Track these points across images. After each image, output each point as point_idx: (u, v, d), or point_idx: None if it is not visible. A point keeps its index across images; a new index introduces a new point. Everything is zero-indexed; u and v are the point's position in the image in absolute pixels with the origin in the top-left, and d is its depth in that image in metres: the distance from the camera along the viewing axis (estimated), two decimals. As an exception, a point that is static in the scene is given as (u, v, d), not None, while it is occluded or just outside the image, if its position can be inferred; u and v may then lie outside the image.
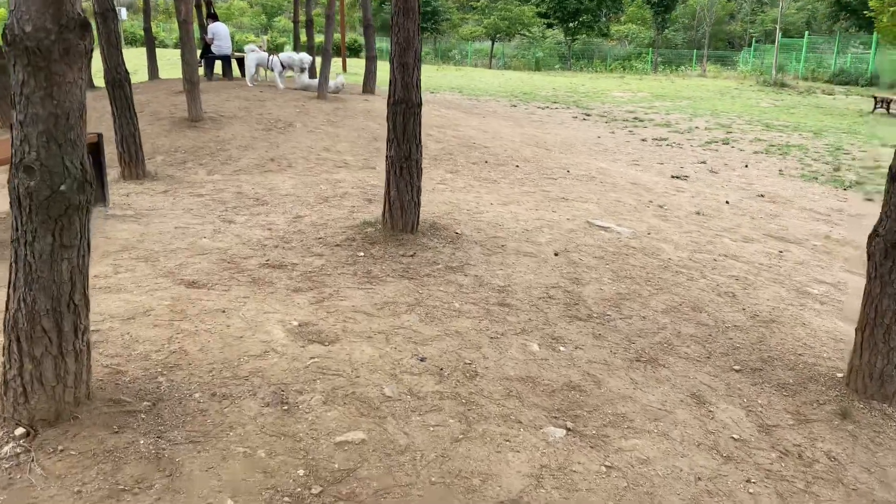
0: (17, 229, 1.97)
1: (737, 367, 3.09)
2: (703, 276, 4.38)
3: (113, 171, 6.85)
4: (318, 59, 13.22)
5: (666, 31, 38.13)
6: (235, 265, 3.96)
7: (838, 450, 2.51)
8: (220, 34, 14.44)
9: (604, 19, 39.22)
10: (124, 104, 6.04)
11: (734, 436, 2.53)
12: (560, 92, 22.07)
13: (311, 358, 2.75)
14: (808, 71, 29.39)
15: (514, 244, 4.63)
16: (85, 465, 1.99)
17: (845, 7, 30.14)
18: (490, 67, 38.04)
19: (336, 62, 17.41)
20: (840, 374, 3.05)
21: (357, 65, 27.41)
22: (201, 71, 15.03)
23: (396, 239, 4.44)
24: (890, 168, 2.73)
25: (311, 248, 4.33)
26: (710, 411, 2.71)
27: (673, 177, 9.31)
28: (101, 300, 3.26)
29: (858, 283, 3.23)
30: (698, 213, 6.62)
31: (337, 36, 33.55)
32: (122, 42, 30.16)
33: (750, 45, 37.38)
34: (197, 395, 2.40)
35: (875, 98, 18.24)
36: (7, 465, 1.95)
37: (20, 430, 2.07)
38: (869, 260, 2.80)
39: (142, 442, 2.12)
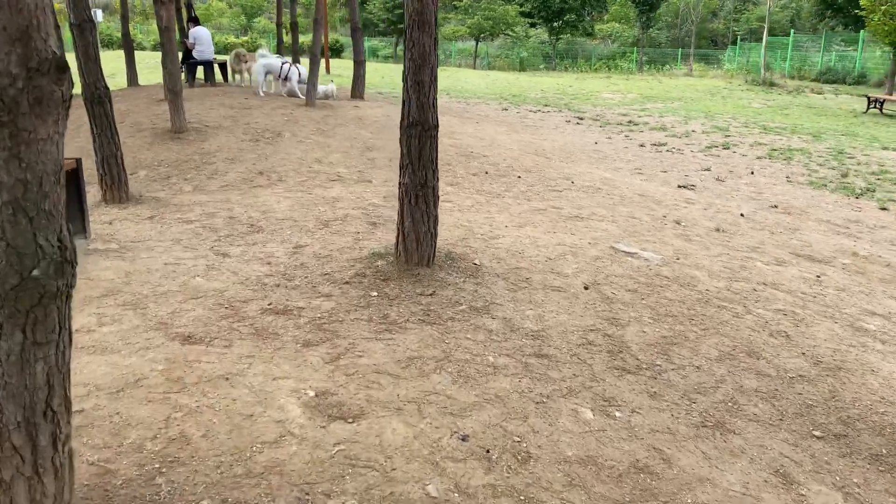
0: (-23, 325, 1.54)
1: (817, 433, 2.71)
2: (747, 310, 4.01)
3: (92, 191, 6.37)
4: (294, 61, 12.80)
5: (650, 29, 37.94)
6: (235, 311, 3.52)
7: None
8: (202, 39, 13.92)
9: (588, 18, 38.95)
10: (105, 122, 5.57)
11: (839, 531, 2.16)
12: (549, 94, 21.73)
13: (336, 444, 2.32)
14: (794, 69, 29.31)
15: (539, 276, 4.23)
16: None
17: (831, 5, 30.09)
18: (474, 67, 37.66)
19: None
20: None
21: (339, 66, 26.92)
22: (183, 76, 14.51)
23: (412, 274, 4.02)
24: None
25: (318, 287, 3.90)
26: (802, 495, 2.33)
27: (680, 186, 8.97)
28: (84, 364, 2.82)
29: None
30: (718, 230, 6.27)
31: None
32: (98, 45, 29.50)
33: (734, 44, 37.33)
34: (205, 503, 1.98)
35: (868, 98, 18.07)
36: None
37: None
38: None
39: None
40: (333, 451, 2.28)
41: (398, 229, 4.13)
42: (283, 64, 12.57)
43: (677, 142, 12.65)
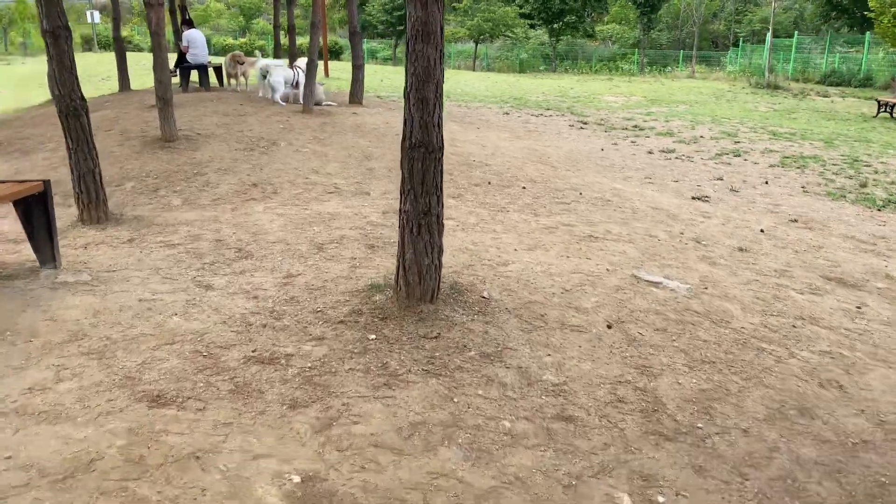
0: None
1: (897, 523, 2.29)
2: (790, 353, 3.58)
3: (69, 212, 5.94)
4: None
5: (651, 31, 37.54)
6: (214, 360, 3.09)
7: None
8: (196, 42, 13.51)
9: (588, 20, 38.54)
10: (81, 137, 5.14)
11: None
12: (550, 96, 21.32)
13: (326, 555, 1.90)
14: (798, 72, 28.90)
15: (556, 312, 3.80)
16: None
17: (836, 6, 29.68)
18: (474, 69, 37.26)
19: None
20: None
21: (338, 68, 26.49)
22: (176, 80, 14.09)
23: (413, 311, 3.60)
24: None
25: (309, 328, 3.48)
26: None
27: (694, 198, 8.55)
28: (31, 438, 2.40)
29: None
30: (741, 250, 5.85)
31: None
32: (96, 45, 28.93)
33: (736, 45, 36.95)
34: None
35: (878, 102, 17.66)
36: None
37: None
38: None
39: None
40: (322, 567, 1.86)
41: (398, 261, 3.70)
42: (297, 71, 12.16)
43: (686, 148, 12.23)
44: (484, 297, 3.91)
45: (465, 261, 4.62)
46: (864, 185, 9.57)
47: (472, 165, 9.24)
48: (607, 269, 4.66)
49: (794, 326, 3.96)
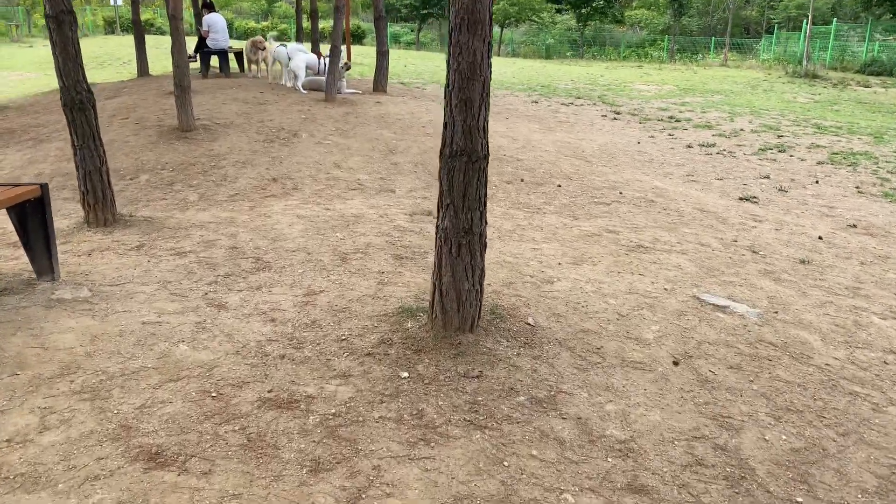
0: None
1: None
2: (888, 398, 3.08)
3: (74, 212, 5.55)
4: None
5: (683, 17, 36.53)
6: (223, 403, 2.67)
7: None
8: (217, 26, 13.09)
9: (617, 5, 37.58)
10: (87, 132, 4.73)
11: None
12: (580, 84, 20.68)
13: None
14: (835, 60, 27.89)
15: (613, 345, 3.33)
16: None
17: (878, -8, 28.58)
18: (498, 54, 36.55)
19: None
20: None
21: (361, 53, 25.97)
22: (195, 64, 13.70)
23: (451, 343, 3.14)
24: None
25: (332, 361, 3.04)
26: None
27: (741, 199, 8.00)
28: (0, 513, 1.99)
29: None
30: (803, 262, 5.32)
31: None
32: (118, 28, 28.56)
33: (770, 32, 35.87)
34: None
35: (926, 93, 16.82)
36: None
37: None
38: None
39: None
40: None
41: (434, 284, 3.25)
42: (321, 58, 11.73)
43: (727, 142, 11.63)
44: (529, 325, 3.45)
45: (505, 277, 4.15)
46: (923, 186, 8.94)
47: (503, 160, 8.75)
48: (665, 289, 4.17)
49: (885, 363, 3.45)
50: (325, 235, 5.02)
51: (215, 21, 13.04)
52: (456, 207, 3.05)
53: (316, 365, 3.00)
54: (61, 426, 2.47)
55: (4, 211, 3.61)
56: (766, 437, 2.68)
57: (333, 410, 2.65)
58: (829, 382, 3.17)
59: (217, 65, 13.62)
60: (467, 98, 2.91)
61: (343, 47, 10.88)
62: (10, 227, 4.99)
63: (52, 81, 16.12)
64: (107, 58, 23.50)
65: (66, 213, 6.32)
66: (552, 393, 2.85)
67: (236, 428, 2.51)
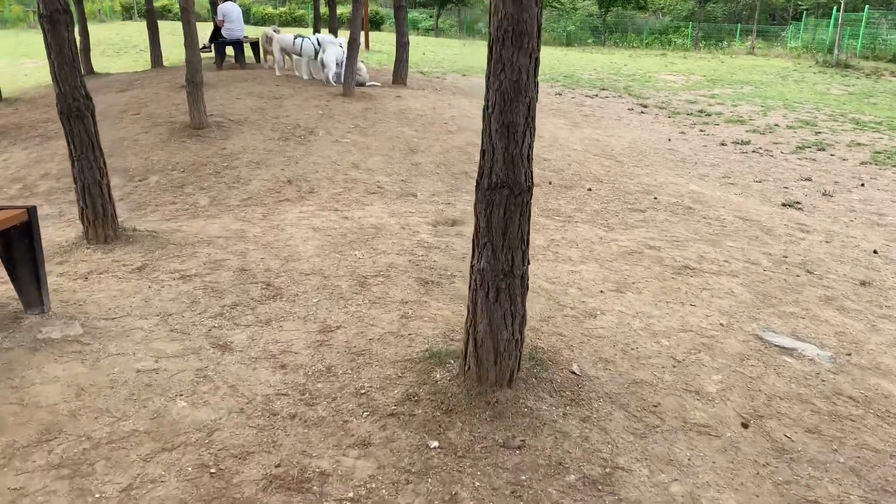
0: None
1: None
2: None
3: (72, 228, 5.18)
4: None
5: (708, 3, 35.59)
6: (224, 483, 2.28)
7: None
8: (232, 15, 12.68)
9: (640, -10, 36.66)
10: (86, 142, 4.35)
11: None
12: (603, 74, 20.09)
13: None
14: (866, 49, 26.97)
15: (672, 401, 2.90)
16: None
17: (913, -22, 27.56)
18: (519, 42, 35.80)
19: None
20: None
21: (379, 40, 25.46)
22: (210, 54, 13.32)
23: (487, 401, 2.73)
24: None
25: (350, 423, 2.64)
26: None
27: (784, 205, 7.50)
28: None
29: None
30: (863, 284, 4.85)
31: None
32: (136, 15, 28.16)
33: (797, 19, 34.88)
34: None
35: (968, 86, 16.09)
36: None
37: None
38: None
39: None
40: None
41: (467, 332, 2.83)
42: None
43: (762, 139, 11.07)
44: (574, 374, 3.03)
45: (542, 310, 3.73)
46: (977, 190, 8.38)
47: (529, 160, 8.27)
48: (721, 324, 3.72)
49: (984, 423, 3.00)
50: (343, 254, 4.61)
51: (230, 10, 12.63)
52: (495, 247, 2.63)
53: (331, 429, 2.60)
54: (33, 515, 2.09)
55: None
56: (865, 533, 2.25)
57: (351, 494, 2.26)
58: (927, 452, 2.73)
59: (232, 55, 13.22)
60: (510, 122, 2.48)
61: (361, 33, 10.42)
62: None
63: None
64: (123, 45, 23.21)
65: (70, 218, 5.98)
66: (607, 469, 2.43)
67: (238, 518, 2.12)
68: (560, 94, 15.50)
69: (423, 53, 23.01)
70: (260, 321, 3.52)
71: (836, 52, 23.73)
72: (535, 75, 2.47)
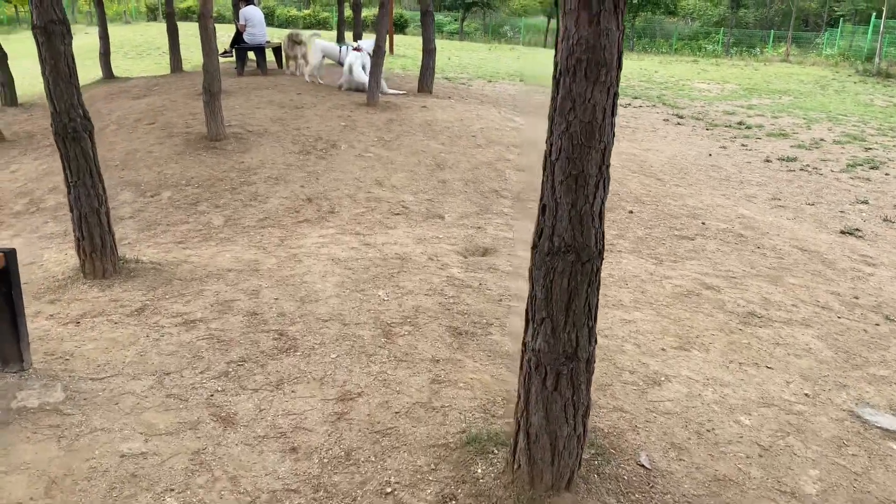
0: None
1: None
2: None
3: (67, 260, 4.73)
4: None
5: (740, 8, 34.75)
6: None
7: None
8: (254, 20, 12.26)
9: (670, -5, 35.91)
10: (84, 166, 3.90)
11: None
12: (634, 81, 19.48)
13: None
14: (907, 56, 26.05)
15: (763, 510, 2.37)
16: None
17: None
18: (545, 46, 35.29)
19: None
20: None
21: (403, 43, 25.01)
22: (232, 59, 12.94)
23: (540, 509, 2.22)
24: None
25: (375, 535, 2.15)
26: None
27: (843, 232, 6.90)
28: None
29: None
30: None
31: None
32: (161, 15, 27.91)
33: (832, 25, 33.96)
34: None
35: None
36: None
37: None
38: None
39: None
40: None
41: (518, 423, 2.32)
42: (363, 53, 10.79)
43: (809, 156, 10.44)
44: (643, 467, 2.51)
45: (597, 375, 3.20)
46: None
47: (564, 178, 7.73)
48: (806, 395, 3.18)
49: None
50: (365, 293, 4.12)
51: (253, 14, 12.22)
52: (555, 323, 2.12)
53: (351, 544, 2.11)
54: None
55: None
56: None
57: None
58: None
59: (254, 59, 12.82)
60: (579, 173, 1.98)
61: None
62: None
63: (88, 73, 15.54)
64: (146, 46, 23.02)
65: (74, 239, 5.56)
66: None
67: None
68: (591, 103, 14.90)
69: (448, 58, 22.54)
70: (270, 383, 3.04)
71: (876, 60, 22.89)
72: (613, 115, 1.96)
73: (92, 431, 2.61)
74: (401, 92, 11.22)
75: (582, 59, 1.88)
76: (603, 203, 2.06)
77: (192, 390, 2.95)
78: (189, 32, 16.72)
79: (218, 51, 7.77)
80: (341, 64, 10.92)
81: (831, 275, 5.44)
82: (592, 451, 2.54)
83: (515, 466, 2.34)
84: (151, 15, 36.00)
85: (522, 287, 4.44)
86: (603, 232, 2.10)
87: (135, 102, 10.00)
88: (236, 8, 14.16)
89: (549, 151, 2.03)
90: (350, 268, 4.63)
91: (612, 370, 3.25)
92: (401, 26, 36.00)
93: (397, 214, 6.50)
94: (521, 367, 2.27)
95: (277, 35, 18.55)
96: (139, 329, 3.51)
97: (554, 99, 1.97)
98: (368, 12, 29.63)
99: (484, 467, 2.43)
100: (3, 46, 11.07)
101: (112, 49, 13.67)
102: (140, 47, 22.57)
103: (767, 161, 10.05)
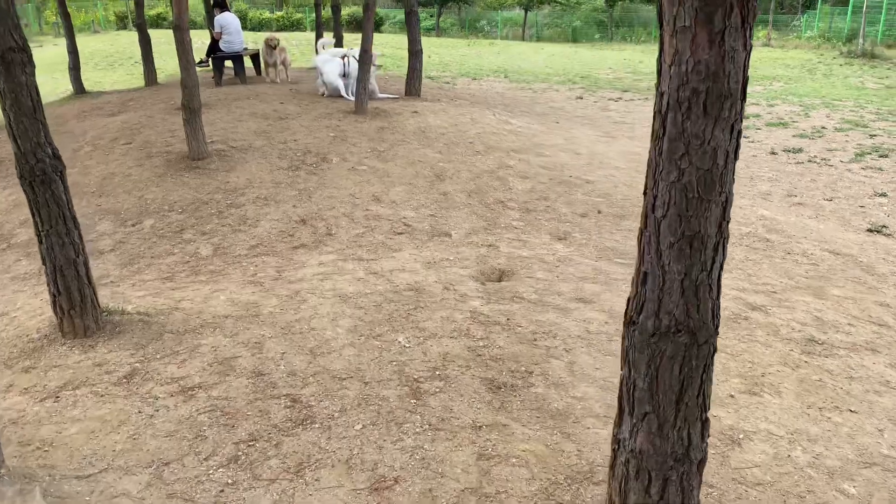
0: None
1: None
2: None
3: (42, 314, 4.22)
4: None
5: (718, -7, 34.42)
6: None
7: None
8: (231, 27, 11.73)
9: (648, -18, 35.52)
10: (55, 213, 3.40)
11: None
12: (621, 73, 19.12)
13: None
14: (886, 36, 25.93)
15: None
16: None
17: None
18: (523, 39, 34.85)
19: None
20: None
21: (379, 42, 24.42)
22: (208, 68, 12.40)
23: None
24: None
25: None
26: None
27: (870, 230, 6.54)
28: None
29: None
30: None
31: (358, 10, 30.47)
32: (131, 24, 27.04)
33: (809, 7, 33.84)
34: None
35: None
36: None
37: None
38: None
39: None
40: None
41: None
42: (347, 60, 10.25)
43: (814, 146, 10.10)
44: (751, 566, 2.07)
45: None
46: None
47: (571, 184, 7.35)
48: (905, 453, 2.77)
49: None
50: (382, 338, 3.66)
51: (229, 21, 11.68)
52: (662, 419, 1.68)
53: None
54: None
55: None
56: None
57: None
58: None
59: (232, 67, 12.28)
60: (695, 234, 1.54)
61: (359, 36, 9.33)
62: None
63: (58, 87, 14.89)
64: (118, 56, 22.28)
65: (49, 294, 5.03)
66: None
67: None
68: (581, 98, 14.54)
69: (428, 56, 22.01)
70: (288, 469, 2.57)
71: (860, 41, 22.69)
72: (736, 158, 1.52)
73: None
74: (393, 96, 10.75)
75: (700, 89, 1.44)
76: (721, 269, 1.62)
77: (197, 485, 2.48)
78: (161, 40, 16.08)
79: (195, 62, 7.25)
80: (345, 75, 10.36)
81: (873, 282, 5.06)
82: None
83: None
84: (121, 23, 35.11)
85: (553, 320, 4.00)
86: (720, 303, 1.65)
87: (109, 120, 9.44)
88: (210, 15, 13.60)
89: (650, 206, 1.59)
90: (361, 306, 4.17)
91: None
92: (375, 24, 35.39)
93: (400, 233, 6.05)
94: (611, 466, 1.83)
95: (253, 39, 17.96)
96: (129, 402, 3.02)
97: (658, 139, 1.53)
98: (346, 10, 28.99)
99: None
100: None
101: (82, 60, 13.05)
102: (111, 57, 21.84)
103: (773, 153, 9.69)
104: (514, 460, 2.61)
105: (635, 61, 22.28)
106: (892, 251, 5.89)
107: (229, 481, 2.50)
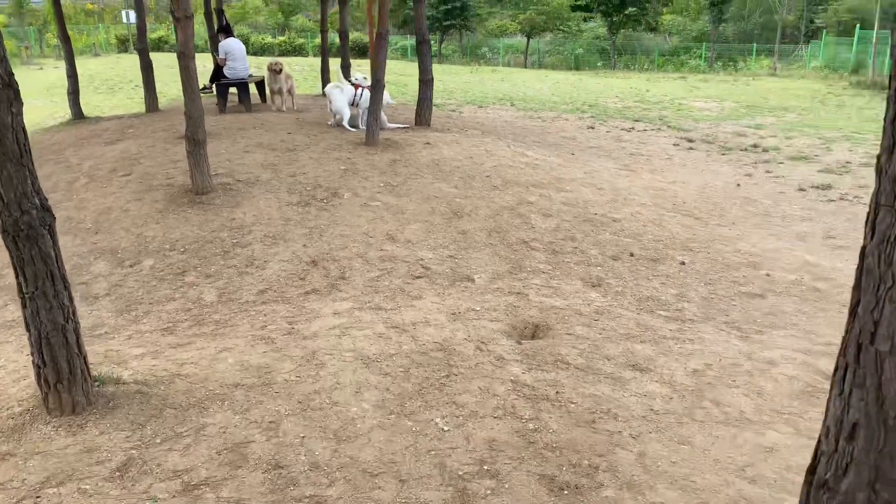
0: None
1: None
2: None
3: (28, 377, 3.72)
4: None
5: (722, 23, 34.46)
6: None
7: None
8: (235, 53, 11.35)
9: (651, 11, 35.51)
10: (42, 272, 2.93)
11: None
12: (628, 101, 18.82)
13: None
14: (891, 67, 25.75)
15: None
16: None
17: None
18: (525, 66, 34.73)
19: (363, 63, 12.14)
20: None
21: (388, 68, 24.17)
22: (212, 94, 12.04)
23: None
24: None
25: None
26: None
27: (923, 279, 6.07)
28: None
29: None
30: None
31: (363, 36, 30.30)
32: (132, 47, 26.91)
33: (812, 37, 33.84)
34: None
35: None
36: None
37: None
38: None
39: None
40: None
41: None
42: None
43: (842, 182, 9.70)
44: None
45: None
46: None
47: (597, 222, 6.91)
48: None
49: None
50: (416, 418, 3.18)
51: (233, 47, 11.30)
52: None
53: None
54: None
55: None
56: None
57: None
58: None
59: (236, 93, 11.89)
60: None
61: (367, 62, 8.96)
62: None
63: (57, 110, 14.49)
64: (118, 80, 21.95)
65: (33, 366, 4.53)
66: None
67: None
68: (593, 128, 14.17)
69: (434, 83, 21.71)
70: None
71: (871, 72, 22.51)
72: None
73: None
74: (404, 126, 10.35)
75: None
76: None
77: None
78: (162, 63, 15.72)
79: (198, 88, 6.83)
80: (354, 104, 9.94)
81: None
82: None
83: None
84: (122, 46, 34.90)
85: (609, 395, 3.51)
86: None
87: (107, 149, 9.00)
88: (214, 40, 13.25)
89: (866, 333, 1.13)
90: (386, 372, 3.69)
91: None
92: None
93: (419, 277, 5.60)
94: None
95: (255, 63, 17.61)
96: (123, 499, 2.53)
97: (874, 204, 1.08)
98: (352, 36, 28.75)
99: None
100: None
101: (82, 84, 12.66)
102: (111, 81, 21.51)
103: (801, 190, 9.28)
104: None
105: (642, 90, 22.01)
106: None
107: None
